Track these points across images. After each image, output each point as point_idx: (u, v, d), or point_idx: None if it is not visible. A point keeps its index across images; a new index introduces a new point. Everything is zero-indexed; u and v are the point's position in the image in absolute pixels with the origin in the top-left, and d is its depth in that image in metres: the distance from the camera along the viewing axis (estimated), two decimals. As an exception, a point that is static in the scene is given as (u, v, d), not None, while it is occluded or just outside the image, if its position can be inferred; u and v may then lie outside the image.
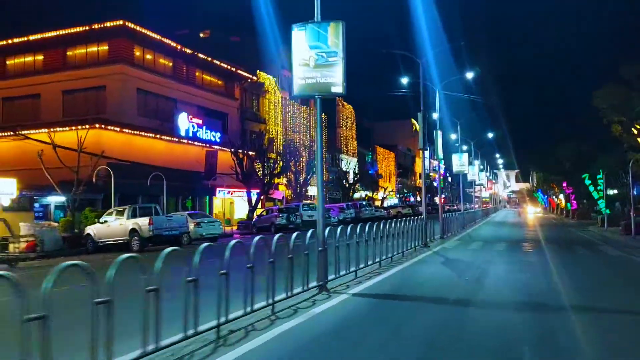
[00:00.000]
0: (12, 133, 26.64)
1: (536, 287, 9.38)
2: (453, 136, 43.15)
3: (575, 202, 48.26)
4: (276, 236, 7.42)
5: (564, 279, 10.20)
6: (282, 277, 7.36)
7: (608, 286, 9.81)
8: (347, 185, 54.97)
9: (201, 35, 50.99)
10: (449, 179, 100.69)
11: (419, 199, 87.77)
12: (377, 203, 64.81)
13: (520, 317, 6.86)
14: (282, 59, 48.38)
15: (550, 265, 12.43)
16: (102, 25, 30.75)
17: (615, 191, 36.63)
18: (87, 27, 31.07)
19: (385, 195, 74.19)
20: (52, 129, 24.60)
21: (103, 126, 28.66)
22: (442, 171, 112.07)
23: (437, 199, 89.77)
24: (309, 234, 8.55)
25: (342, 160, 62.69)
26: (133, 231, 18.19)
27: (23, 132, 24.62)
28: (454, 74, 31.63)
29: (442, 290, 9.08)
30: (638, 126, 16.38)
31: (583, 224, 36.01)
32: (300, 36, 9.11)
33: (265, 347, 5.37)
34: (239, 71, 41.25)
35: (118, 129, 29.42)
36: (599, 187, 33.12)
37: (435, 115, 29.48)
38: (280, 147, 43.78)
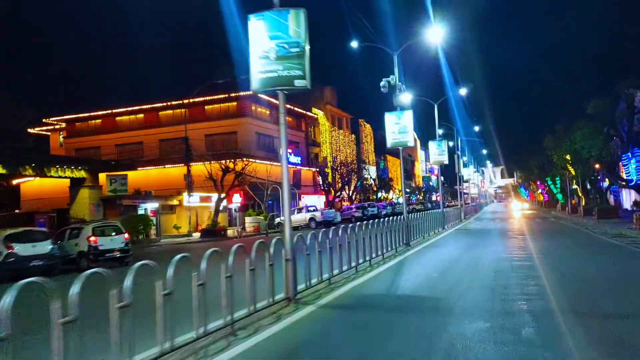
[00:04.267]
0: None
1: (513, 228, 26.79)
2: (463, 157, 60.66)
3: (547, 195, 66.30)
4: (380, 220, 24.48)
5: (524, 226, 27.64)
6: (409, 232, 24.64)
7: (541, 227, 27.25)
8: (374, 189, 72.41)
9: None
10: (442, 178, 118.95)
11: (420, 197, 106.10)
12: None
13: (505, 233, 24.31)
14: (326, 97, 65.72)
15: (522, 224, 29.90)
16: (238, 94, 47.88)
17: (575, 187, 54.63)
18: (226, 95, 48.13)
19: (396, 196, 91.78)
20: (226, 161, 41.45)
21: (245, 159, 45.62)
22: (436, 172, 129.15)
23: (434, 197, 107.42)
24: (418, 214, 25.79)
25: (365, 169, 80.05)
26: (311, 219, 35.44)
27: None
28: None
29: (481, 226, 26.47)
30: (567, 157, 33.40)
31: (549, 210, 53.97)
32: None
33: (411, 256, 22.67)
34: (307, 112, 58.60)
35: (253, 160, 46.46)
36: (557, 185, 51.23)
37: (451, 143, 47.19)
38: (330, 164, 60.99)
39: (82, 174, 27.88)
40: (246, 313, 6.83)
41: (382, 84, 17.18)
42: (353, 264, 11.31)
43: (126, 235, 17.09)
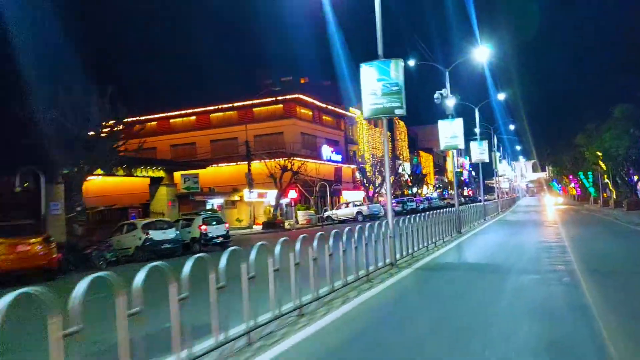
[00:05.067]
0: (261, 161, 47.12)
1: (547, 219, 29.53)
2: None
3: (579, 189, 68.08)
4: (432, 212, 27.50)
5: (558, 217, 30.35)
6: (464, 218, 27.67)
7: (573, 218, 29.92)
8: (410, 184, 75.32)
9: (301, 81, 71.54)
10: (473, 173, 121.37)
11: (452, 192, 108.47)
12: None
13: (540, 223, 27.13)
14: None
15: (555, 216, 32.57)
16: (284, 97, 51.41)
17: (607, 181, 56.61)
18: (274, 98, 51.71)
19: (430, 191, 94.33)
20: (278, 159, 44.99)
21: (295, 158, 49.14)
22: (468, 167, 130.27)
23: (465, 192, 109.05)
24: (464, 207, 28.75)
25: (400, 165, 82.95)
26: (358, 212, 38.74)
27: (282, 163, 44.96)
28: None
29: (518, 218, 29.37)
30: (598, 153, 35.86)
31: (582, 203, 56.07)
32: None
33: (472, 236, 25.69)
34: (346, 112, 61.85)
35: (299, 158, 49.94)
36: (589, 180, 53.27)
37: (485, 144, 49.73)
38: (369, 161, 64.07)
39: (161, 173, 31.72)
40: (374, 268, 10.23)
41: (435, 96, 20.33)
42: (425, 244, 14.57)
43: (227, 224, 20.73)
